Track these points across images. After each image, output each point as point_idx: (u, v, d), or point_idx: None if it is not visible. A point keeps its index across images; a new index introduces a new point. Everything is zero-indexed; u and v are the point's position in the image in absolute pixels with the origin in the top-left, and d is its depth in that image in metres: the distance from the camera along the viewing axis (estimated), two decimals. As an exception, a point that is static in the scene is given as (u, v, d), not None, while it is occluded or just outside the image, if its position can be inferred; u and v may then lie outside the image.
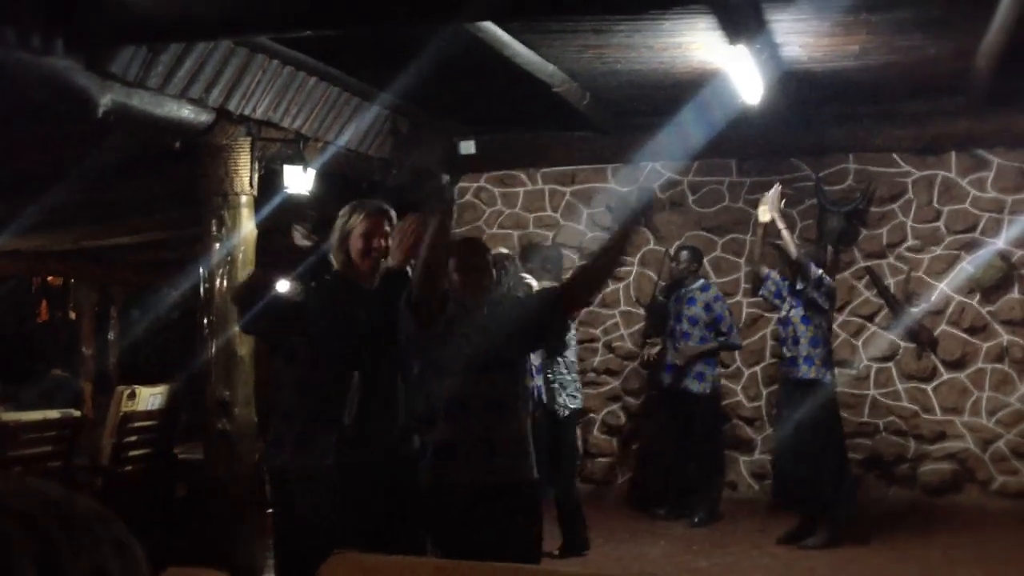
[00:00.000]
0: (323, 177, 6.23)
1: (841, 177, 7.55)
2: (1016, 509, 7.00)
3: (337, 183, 6.61)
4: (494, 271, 3.85)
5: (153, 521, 5.82)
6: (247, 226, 5.55)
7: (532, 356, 4.90)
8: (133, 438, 6.04)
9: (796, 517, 6.31)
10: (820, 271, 6.13)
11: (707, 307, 6.81)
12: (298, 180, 5.89)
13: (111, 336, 10.83)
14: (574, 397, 5.96)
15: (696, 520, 6.72)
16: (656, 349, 7.15)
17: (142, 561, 0.77)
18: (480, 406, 3.51)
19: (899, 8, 5.10)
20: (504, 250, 5.74)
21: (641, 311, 7.74)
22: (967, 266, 7.28)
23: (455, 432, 3.52)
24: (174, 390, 6.37)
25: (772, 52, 5.50)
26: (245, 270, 5.48)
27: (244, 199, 5.56)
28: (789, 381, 6.26)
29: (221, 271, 5.47)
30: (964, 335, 7.31)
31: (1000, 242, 7.23)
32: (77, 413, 6.16)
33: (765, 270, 6.32)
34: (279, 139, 5.89)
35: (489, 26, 5.01)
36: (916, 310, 7.35)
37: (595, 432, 7.95)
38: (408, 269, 3.57)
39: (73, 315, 10.85)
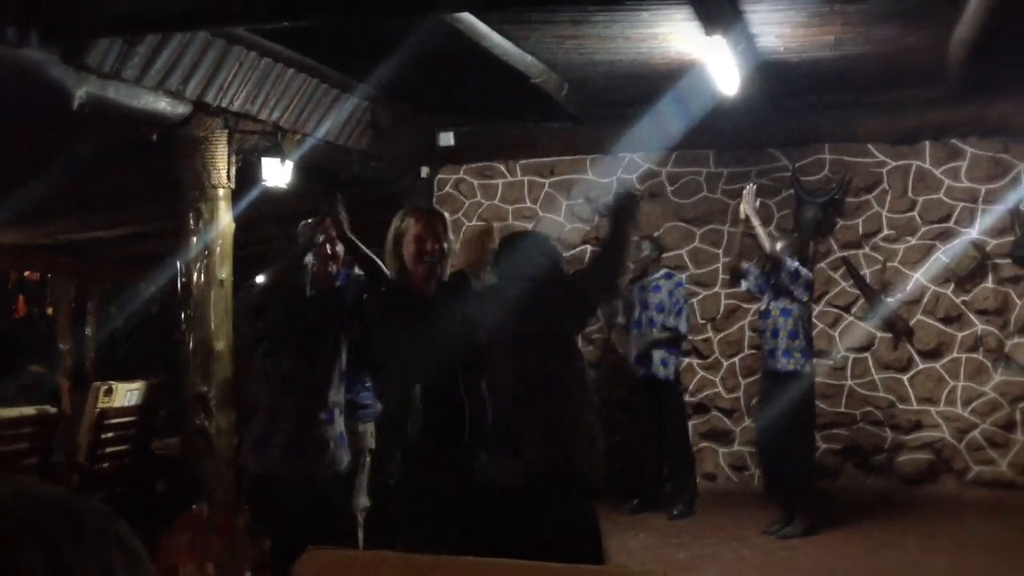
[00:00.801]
0: (301, 169, 6.21)
1: (818, 167, 7.59)
2: (991, 498, 7.06)
3: (315, 175, 6.59)
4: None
5: (130, 518, 5.78)
6: (224, 219, 5.53)
7: None
8: (110, 434, 6.01)
9: (777, 508, 6.36)
10: (796, 264, 6.16)
11: (670, 294, 6.89)
12: (276, 172, 5.87)
13: (88, 331, 10.76)
14: None
15: (675, 512, 6.75)
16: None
17: (145, 559, 0.78)
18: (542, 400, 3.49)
19: (874, -1, 5.14)
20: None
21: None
22: (942, 256, 7.34)
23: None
24: (154, 385, 6.34)
25: (748, 43, 5.52)
26: (224, 266, 5.46)
27: (221, 192, 5.54)
28: (769, 373, 6.30)
29: (198, 265, 5.44)
30: (939, 325, 7.37)
31: (974, 232, 7.29)
32: (54, 409, 6.12)
33: (745, 264, 6.36)
34: (257, 131, 5.86)
35: (467, 17, 5.00)
36: (892, 300, 7.41)
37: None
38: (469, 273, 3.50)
39: (50, 310, 10.78)
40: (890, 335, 7.44)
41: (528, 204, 8.13)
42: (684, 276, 7.28)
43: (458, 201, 8.24)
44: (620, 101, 7.15)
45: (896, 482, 7.40)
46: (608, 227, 3.79)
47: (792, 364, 6.12)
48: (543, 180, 8.12)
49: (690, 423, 7.42)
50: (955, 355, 7.35)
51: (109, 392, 5.98)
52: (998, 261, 7.27)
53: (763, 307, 6.31)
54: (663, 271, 7.04)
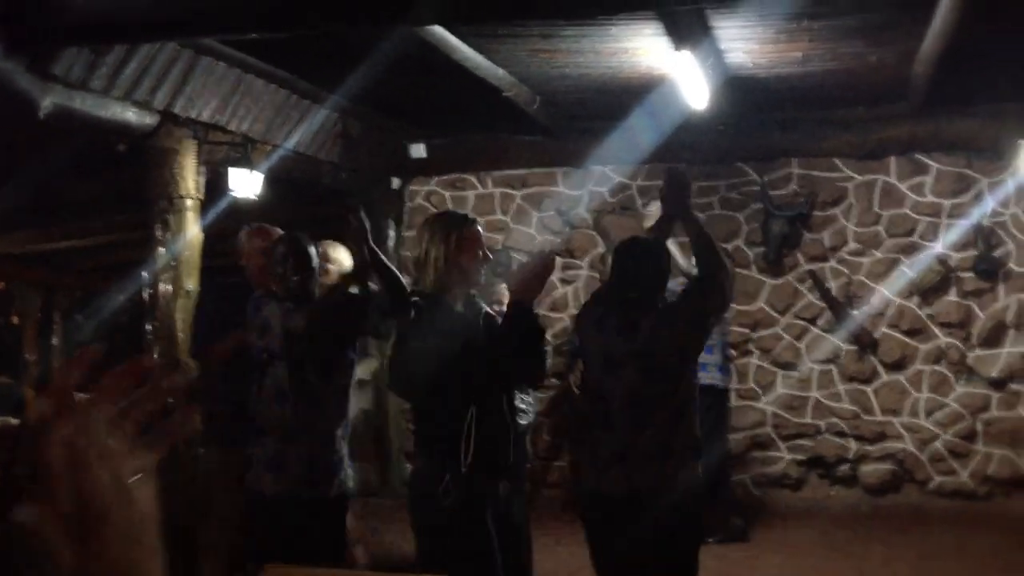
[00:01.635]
0: (273, 181, 6.20)
1: (785, 182, 7.67)
2: (953, 508, 7.15)
3: (285, 186, 6.58)
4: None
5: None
6: (192, 230, 5.51)
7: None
8: (76, 444, 5.96)
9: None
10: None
11: None
12: (244, 183, 5.85)
13: (55, 341, 10.66)
14: (525, 413, 5.94)
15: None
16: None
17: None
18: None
19: (841, 16, 5.20)
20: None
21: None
22: (906, 270, 7.43)
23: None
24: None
25: (717, 58, 5.58)
26: (191, 277, 5.43)
27: (189, 203, 5.51)
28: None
29: (166, 275, 5.42)
30: (903, 337, 7.46)
31: (938, 246, 7.39)
32: (16, 421, 6.06)
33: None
34: (226, 142, 5.84)
35: (438, 30, 5.02)
36: (857, 313, 7.49)
37: (543, 436, 7.98)
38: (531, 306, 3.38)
39: (16, 320, 10.67)
40: (855, 347, 7.52)
41: (500, 216, 8.15)
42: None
43: (429, 213, 8.23)
44: (591, 114, 7.20)
45: (860, 492, 7.47)
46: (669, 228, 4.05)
47: (708, 379, 6.12)
48: (515, 192, 8.14)
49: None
50: (918, 367, 7.44)
51: (75, 403, 5.93)
52: (961, 275, 7.37)
53: None
54: None
